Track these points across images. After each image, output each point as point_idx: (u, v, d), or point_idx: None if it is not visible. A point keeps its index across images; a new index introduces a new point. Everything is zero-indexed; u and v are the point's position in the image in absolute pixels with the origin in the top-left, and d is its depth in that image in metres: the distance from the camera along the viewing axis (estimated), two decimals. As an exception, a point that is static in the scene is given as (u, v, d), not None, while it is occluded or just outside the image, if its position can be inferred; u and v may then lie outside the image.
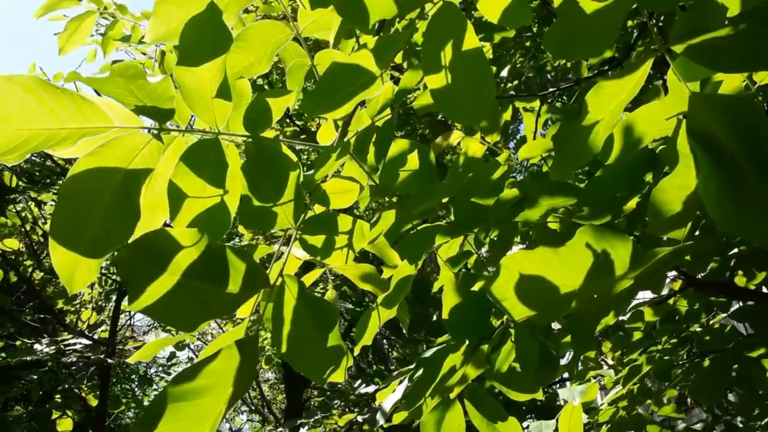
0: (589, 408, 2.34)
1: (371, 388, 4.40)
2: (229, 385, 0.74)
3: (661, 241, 1.12)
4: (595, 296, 0.84)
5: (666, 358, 1.91)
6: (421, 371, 1.64)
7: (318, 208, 1.06)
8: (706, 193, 0.71)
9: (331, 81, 0.79)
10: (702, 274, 1.44)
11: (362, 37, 0.84)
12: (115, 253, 0.87)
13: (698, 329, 2.07)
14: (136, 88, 0.81)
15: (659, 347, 2.04)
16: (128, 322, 7.92)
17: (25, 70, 6.14)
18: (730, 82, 0.91)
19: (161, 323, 0.74)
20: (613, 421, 2.19)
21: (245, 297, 0.79)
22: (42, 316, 6.09)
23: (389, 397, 1.80)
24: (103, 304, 6.94)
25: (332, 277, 1.24)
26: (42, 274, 6.31)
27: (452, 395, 1.36)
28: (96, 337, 5.91)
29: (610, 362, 2.44)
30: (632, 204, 1.35)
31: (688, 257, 1.50)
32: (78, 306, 6.40)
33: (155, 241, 0.70)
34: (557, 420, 2.08)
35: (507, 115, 2.50)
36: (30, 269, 6.46)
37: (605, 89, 0.71)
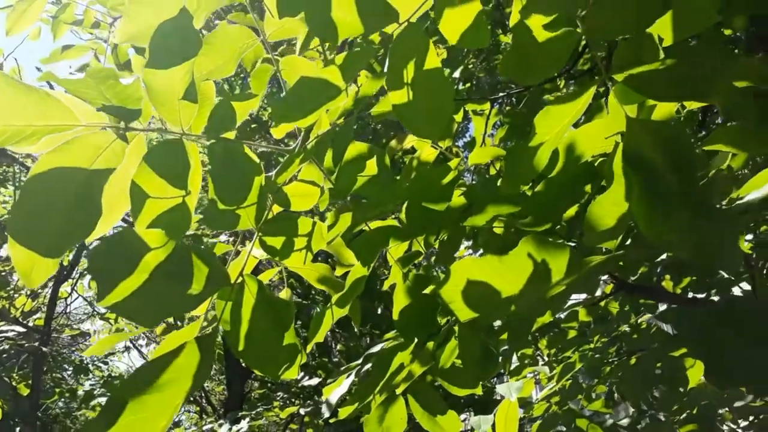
0: (525, 403, 2.46)
1: (314, 381, 4.44)
2: (189, 380, 0.77)
3: (596, 248, 1.21)
4: (532, 300, 0.92)
5: (596, 356, 2.04)
6: (369, 366, 1.69)
7: (276, 208, 1.09)
8: (638, 211, 0.80)
9: (300, 93, 0.83)
10: (633, 278, 1.55)
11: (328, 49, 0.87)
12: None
13: (627, 329, 2.21)
14: (106, 89, 0.83)
15: (591, 345, 2.16)
16: (64, 309, 7.67)
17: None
18: (663, 107, 1.00)
19: (126, 319, 0.76)
20: (545, 416, 2.31)
21: (207, 295, 0.82)
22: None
23: (335, 391, 1.85)
24: (39, 290, 6.69)
25: (286, 276, 1.28)
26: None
27: (398, 391, 1.42)
28: (31, 324, 5.70)
29: (546, 359, 2.56)
30: (572, 211, 1.44)
31: (621, 262, 1.61)
32: (11, 292, 6.15)
33: (127, 242, 0.72)
34: (494, 414, 2.18)
35: (458, 117, 2.58)
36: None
37: (551, 113, 0.77)
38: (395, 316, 1.29)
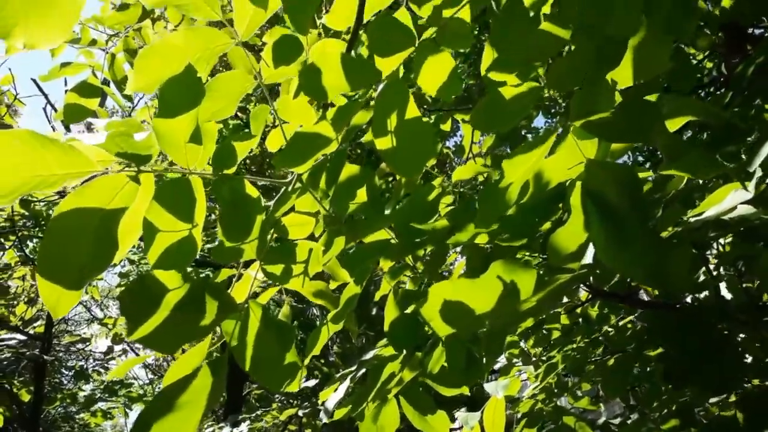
0: (513, 400, 2.57)
1: (311, 382, 4.54)
2: (204, 400, 0.88)
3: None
4: (504, 316, 1.03)
5: (578, 356, 2.15)
6: (362, 371, 1.80)
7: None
8: (596, 241, 0.90)
9: (297, 146, 0.93)
10: (607, 287, 1.66)
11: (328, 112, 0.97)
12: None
13: (610, 330, 2.32)
14: (121, 142, 0.92)
15: (574, 346, 2.28)
16: (64, 316, 7.72)
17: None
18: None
19: (151, 349, 0.87)
20: (531, 413, 2.43)
21: (218, 323, 0.92)
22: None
23: (332, 396, 1.95)
24: (37, 297, 6.75)
25: (286, 295, 1.38)
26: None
27: (390, 396, 1.53)
28: (31, 332, 5.78)
29: (533, 358, 2.68)
30: (546, 226, 1.55)
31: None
32: (11, 300, 6.21)
33: (150, 285, 0.82)
34: (482, 411, 2.30)
35: (446, 126, 2.69)
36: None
37: (517, 159, 0.88)
38: (386, 327, 1.39)
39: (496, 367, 3.34)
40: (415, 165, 0.92)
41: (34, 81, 4.95)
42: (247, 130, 1.11)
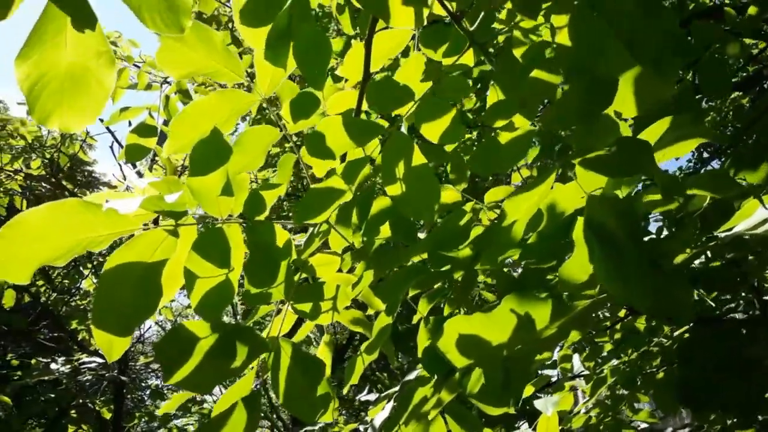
0: (565, 415, 2.56)
1: (372, 396, 4.61)
2: (240, 432, 0.97)
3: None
4: (523, 345, 1.06)
5: (627, 369, 2.13)
6: (401, 395, 1.85)
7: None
8: (599, 273, 0.93)
9: (313, 200, 1.01)
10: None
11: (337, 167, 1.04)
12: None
13: (666, 342, 2.28)
14: (157, 202, 1.03)
15: (624, 359, 2.25)
16: (140, 337, 8.18)
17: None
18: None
19: (187, 390, 0.96)
20: (587, 427, 2.41)
21: (249, 363, 1.00)
22: (56, 335, 6.31)
23: (378, 415, 2.02)
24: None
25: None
26: (54, 294, 6.54)
27: (430, 417, 1.57)
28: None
29: (586, 372, 2.65)
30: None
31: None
32: (90, 324, 6.60)
33: (182, 335, 0.92)
34: (535, 428, 2.30)
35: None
36: (42, 289, 6.69)
37: (518, 199, 0.92)
38: (419, 353, 1.45)
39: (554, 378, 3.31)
40: (424, 208, 0.98)
41: (101, 121, 5.31)
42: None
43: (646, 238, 1.28)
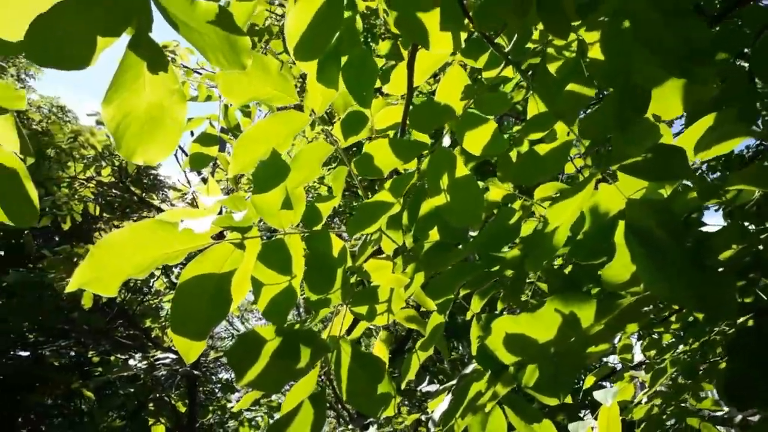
0: (626, 405, 2.56)
1: (433, 387, 4.69)
2: (308, 429, 1.06)
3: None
4: (572, 341, 1.11)
5: (688, 359, 2.12)
6: (457, 389, 1.91)
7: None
8: (642, 273, 0.97)
9: (365, 214, 1.09)
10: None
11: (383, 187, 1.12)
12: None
13: (729, 330, 2.25)
14: (226, 219, 1.13)
15: (685, 348, 2.24)
16: (211, 333, 8.53)
17: (98, 106, 6.74)
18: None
19: (257, 390, 1.07)
20: (649, 417, 2.40)
21: (313, 364, 1.09)
22: (132, 333, 6.69)
23: (438, 407, 2.09)
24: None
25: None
26: (129, 294, 6.93)
27: (487, 409, 1.64)
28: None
29: (647, 362, 2.64)
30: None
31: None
32: (163, 322, 6.98)
33: (250, 339, 1.02)
34: (596, 418, 2.31)
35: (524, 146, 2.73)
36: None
37: (559, 206, 0.97)
38: (473, 349, 1.51)
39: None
40: (469, 217, 1.04)
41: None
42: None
43: (694, 233, 1.29)
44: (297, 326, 1.17)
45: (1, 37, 1.02)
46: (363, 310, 1.25)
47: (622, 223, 0.97)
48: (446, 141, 1.32)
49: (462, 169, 1.01)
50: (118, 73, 0.92)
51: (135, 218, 6.89)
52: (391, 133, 1.22)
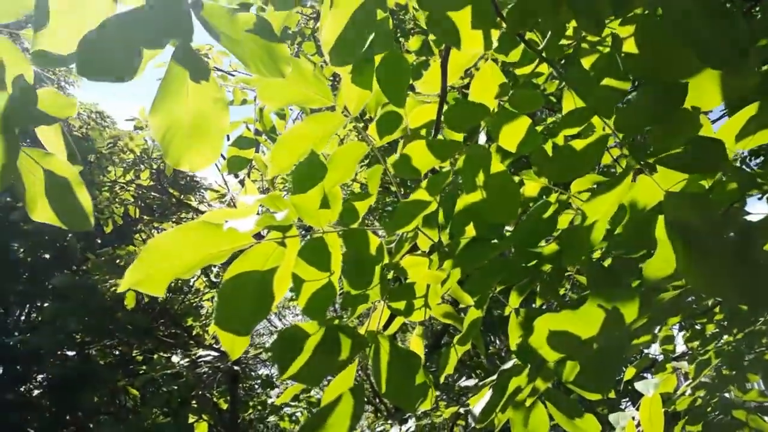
0: (668, 397, 2.52)
1: (471, 382, 4.70)
2: (348, 421, 1.09)
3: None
4: (615, 336, 1.11)
5: (732, 350, 2.08)
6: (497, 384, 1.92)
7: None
8: (682, 267, 0.97)
9: (404, 211, 1.11)
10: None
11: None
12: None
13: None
14: (267, 219, 1.16)
15: (729, 339, 2.20)
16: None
17: (136, 112, 6.91)
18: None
19: (299, 383, 1.11)
20: (692, 410, 2.37)
21: (353, 358, 1.12)
22: (174, 331, 6.86)
23: (479, 402, 2.10)
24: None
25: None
26: (170, 294, 7.11)
27: (528, 404, 1.64)
28: (222, 348, 6.62)
29: (690, 352, 2.60)
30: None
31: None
32: (203, 321, 7.15)
33: (293, 334, 1.05)
34: (638, 409, 2.29)
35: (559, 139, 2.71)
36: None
37: (597, 200, 0.97)
38: (511, 345, 1.52)
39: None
40: (504, 213, 1.05)
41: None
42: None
43: (735, 223, 1.27)
44: (336, 321, 1.20)
45: (52, 51, 1.07)
46: (400, 305, 1.27)
47: (661, 218, 0.97)
48: (482, 138, 1.33)
49: (497, 166, 1.02)
50: (164, 83, 0.96)
51: (174, 219, 7.06)
52: (424, 131, 1.23)
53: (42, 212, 1.22)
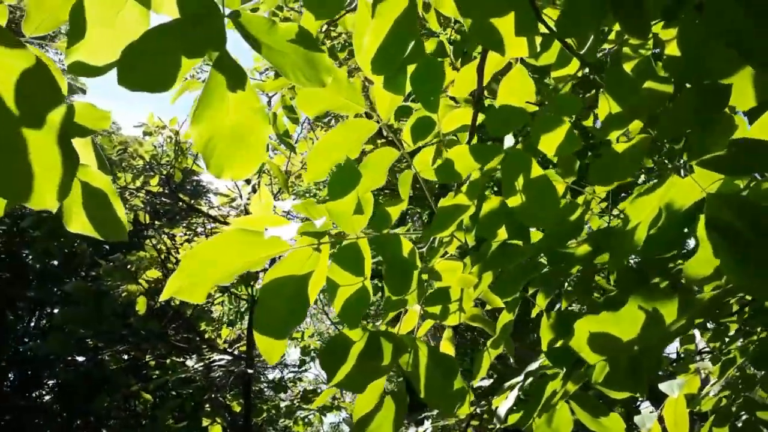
0: (692, 398, 2.51)
1: (487, 382, 4.69)
2: (390, 426, 1.09)
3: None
4: (652, 338, 1.11)
5: (758, 348, 2.07)
6: (529, 381, 1.92)
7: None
8: (725, 267, 0.97)
9: (442, 217, 1.12)
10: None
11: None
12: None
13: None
14: (308, 226, 1.17)
15: (754, 338, 2.19)
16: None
17: (144, 117, 6.94)
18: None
19: (345, 390, 1.11)
20: (717, 410, 2.36)
21: (395, 363, 1.13)
22: (187, 336, 6.88)
23: (503, 404, 2.10)
24: (234, 320, 7.71)
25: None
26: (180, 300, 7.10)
27: (557, 403, 1.64)
28: (236, 352, 6.64)
29: (712, 352, 2.59)
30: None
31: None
32: (216, 325, 7.16)
33: (340, 341, 1.05)
34: (661, 410, 2.28)
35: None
36: (169, 295, 7.27)
37: (639, 203, 0.97)
38: (543, 347, 1.52)
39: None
40: (544, 217, 1.06)
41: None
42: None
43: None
44: (370, 326, 1.20)
45: (89, 62, 1.08)
46: (436, 309, 1.28)
47: (702, 219, 0.97)
48: (509, 141, 1.33)
49: (537, 170, 1.03)
50: (204, 93, 0.96)
51: (184, 225, 7.08)
52: (461, 136, 1.24)
53: (78, 223, 1.23)
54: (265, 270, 1.36)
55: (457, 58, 2.54)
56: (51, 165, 0.74)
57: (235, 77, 0.97)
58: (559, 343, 1.37)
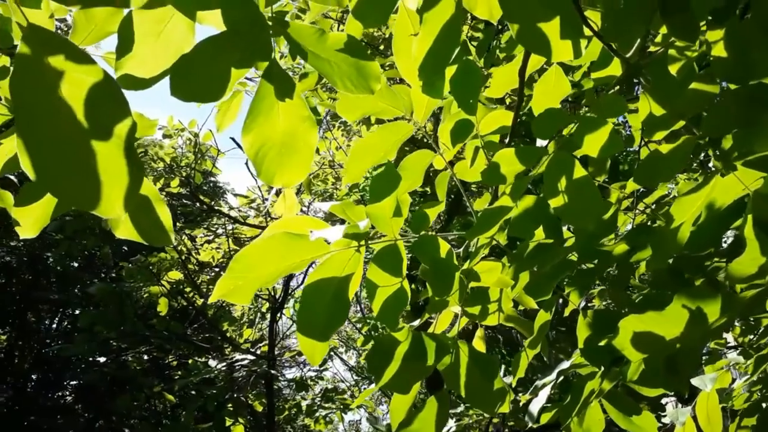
0: (724, 393, 2.50)
1: (508, 379, 4.68)
2: (433, 425, 1.11)
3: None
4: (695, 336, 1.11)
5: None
6: (560, 379, 1.92)
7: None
8: (773, 266, 0.97)
9: (485, 219, 1.13)
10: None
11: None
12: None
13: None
14: (352, 229, 1.19)
15: (786, 335, 2.18)
16: (284, 334, 8.82)
17: (164, 120, 7.01)
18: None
19: (391, 391, 1.13)
20: (750, 405, 2.35)
21: (437, 363, 1.14)
22: (209, 336, 6.96)
23: (534, 402, 2.11)
24: (256, 320, 7.79)
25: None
26: (202, 300, 7.21)
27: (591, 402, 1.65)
28: (258, 352, 6.70)
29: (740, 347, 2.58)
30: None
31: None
32: (238, 326, 7.23)
33: (385, 343, 1.07)
34: (694, 407, 2.27)
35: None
36: (191, 295, 7.38)
37: (683, 202, 0.98)
38: (580, 344, 1.52)
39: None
40: (586, 218, 1.07)
41: (233, 140, 5.76)
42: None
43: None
44: (406, 328, 1.22)
45: (136, 75, 1.11)
46: (476, 310, 1.29)
47: (749, 218, 0.98)
48: (541, 142, 1.34)
49: (580, 171, 1.04)
50: (255, 102, 0.99)
51: (205, 226, 7.15)
52: (496, 137, 1.25)
53: (125, 229, 1.26)
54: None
55: (480, 56, 2.55)
56: (118, 175, 0.76)
57: (284, 86, 0.99)
58: (603, 342, 1.38)
